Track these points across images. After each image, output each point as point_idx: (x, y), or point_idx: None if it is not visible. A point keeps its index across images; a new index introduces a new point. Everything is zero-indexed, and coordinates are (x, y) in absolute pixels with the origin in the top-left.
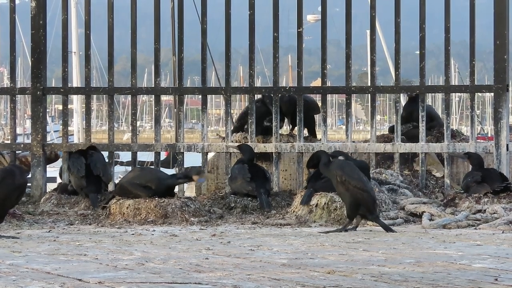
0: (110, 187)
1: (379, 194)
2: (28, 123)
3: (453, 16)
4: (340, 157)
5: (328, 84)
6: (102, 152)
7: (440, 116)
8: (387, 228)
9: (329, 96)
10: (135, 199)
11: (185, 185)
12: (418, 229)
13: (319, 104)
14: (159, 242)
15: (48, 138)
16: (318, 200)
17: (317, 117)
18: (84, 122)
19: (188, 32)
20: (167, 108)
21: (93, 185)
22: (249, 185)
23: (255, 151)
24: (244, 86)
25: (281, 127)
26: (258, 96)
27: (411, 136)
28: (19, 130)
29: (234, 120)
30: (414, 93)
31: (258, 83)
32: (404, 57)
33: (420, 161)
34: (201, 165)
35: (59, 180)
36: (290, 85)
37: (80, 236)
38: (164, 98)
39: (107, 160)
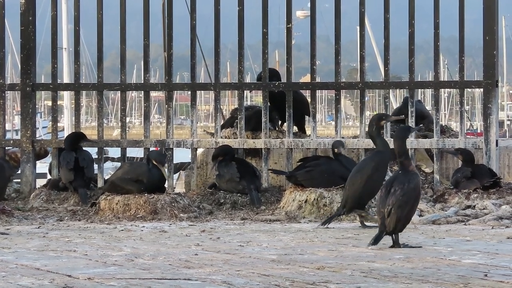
0: (100, 183)
1: None
2: (17, 119)
3: (442, 11)
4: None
5: (318, 80)
6: (92, 149)
7: (430, 111)
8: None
9: (318, 92)
10: (125, 195)
11: (175, 181)
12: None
13: (309, 100)
14: (149, 238)
15: (37, 134)
16: (307, 196)
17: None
18: (74, 118)
19: (178, 28)
20: (157, 104)
21: (82, 179)
22: (239, 185)
23: (244, 147)
24: (234, 82)
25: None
26: (247, 92)
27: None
28: (8, 126)
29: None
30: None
31: (247, 79)
32: (393, 52)
33: None
34: (190, 161)
35: (48, 176)
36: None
37: (70, 232)
38: (153, 94)
39: (95, 156)
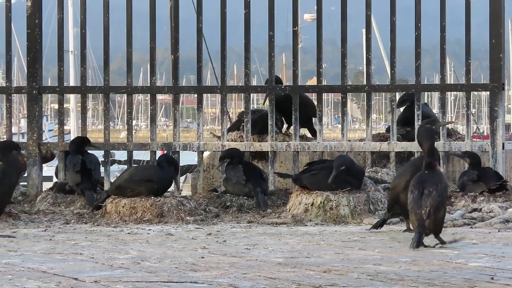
0: (106, 186)
1: (375, 193)
2: (23, 122)
3: (448, 14)
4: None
5: (324, 83)
6: (98, 151)
7: (436, 115)
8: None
9: (324, 95)
10: (131, 198)
11: (181, 183)
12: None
13: (315, 103)
14: (155, 241)
15: (43, 137)
16: (314, 199)
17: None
18: (80, 121)
19: (184, 31)
20: (163, 107)
21: (88, 182)
22: (246, 187)
23: (250, 150)
24: (240, 85)
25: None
26: (253, 95)
27: (408, 140)
28: (14, 129)
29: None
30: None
31: (253, 82)
32: (400, 55)
33: None
34: (196, 163)
35: (55, 179)
36: (285, 84)
37: (76, 235)
38: (160, 97)
39: (102, 159)
